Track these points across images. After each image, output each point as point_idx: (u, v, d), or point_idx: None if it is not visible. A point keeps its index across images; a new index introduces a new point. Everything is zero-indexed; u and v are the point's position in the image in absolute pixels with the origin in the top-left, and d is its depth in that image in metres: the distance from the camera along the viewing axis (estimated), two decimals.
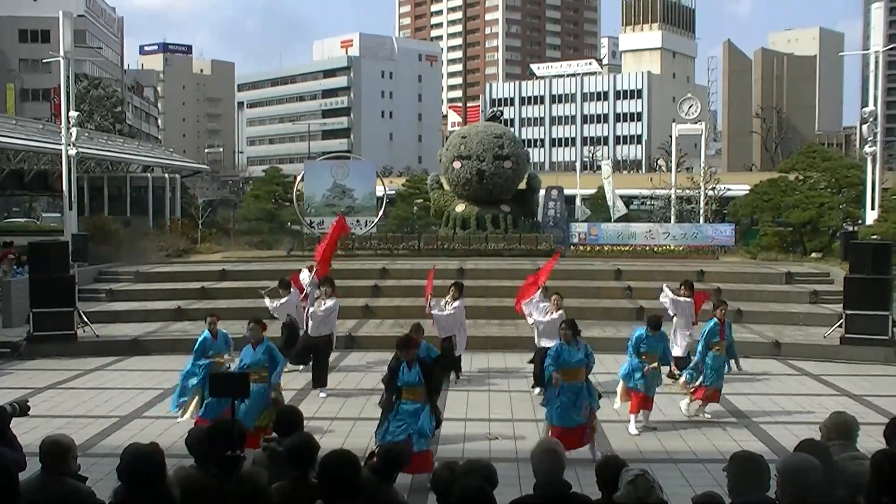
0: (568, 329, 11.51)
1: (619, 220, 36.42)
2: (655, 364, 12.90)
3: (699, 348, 13.58)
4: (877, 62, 28.15)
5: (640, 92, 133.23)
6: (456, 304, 16.16)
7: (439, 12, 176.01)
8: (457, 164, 31.38)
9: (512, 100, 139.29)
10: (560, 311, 14.59)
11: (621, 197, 40.07)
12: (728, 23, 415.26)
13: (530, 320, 15.51)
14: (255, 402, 10.87)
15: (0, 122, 36.30)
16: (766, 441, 11.97)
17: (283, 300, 17.04)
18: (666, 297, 16.04)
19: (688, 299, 15.91)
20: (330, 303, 15.42)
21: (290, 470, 5.58)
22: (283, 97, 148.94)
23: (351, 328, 20.37)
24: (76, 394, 15.57)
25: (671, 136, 40.75)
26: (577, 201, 43.96)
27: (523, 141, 42.35)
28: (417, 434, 9.99)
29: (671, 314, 15.89)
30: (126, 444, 5.48)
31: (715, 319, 13.77)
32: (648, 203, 47.48)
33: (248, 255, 32.04)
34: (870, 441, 10.94)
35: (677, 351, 15.37)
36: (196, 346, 13.13)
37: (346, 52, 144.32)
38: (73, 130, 27.27)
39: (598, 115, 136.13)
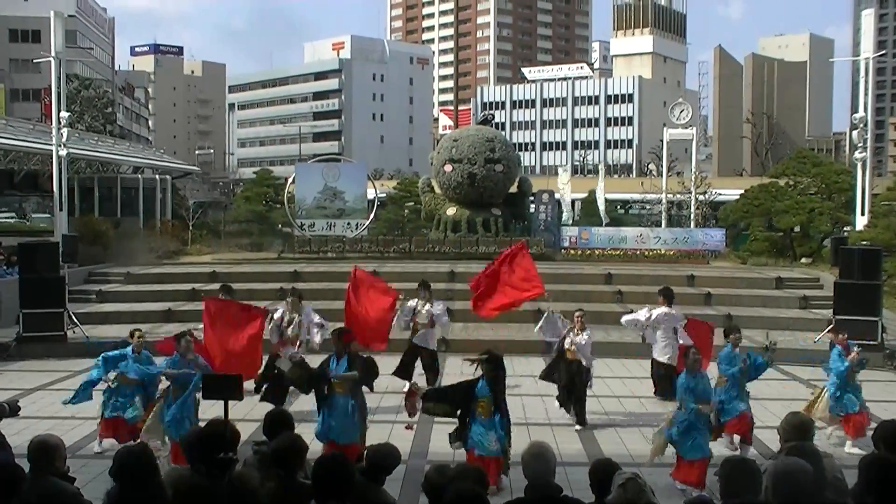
0: (696, 356, 10.77)
1: (609, 224, 36.50)
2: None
3: (830, 379, 12.72)
4: (867, 68, 28.17)
5: (630, 96, 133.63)
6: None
7: (431, 15, 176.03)
8: (448, 168, 31.41)
9: (503, 103, 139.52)
10: (587, 332, 13.56)
11: (612, 201, 40.05)
12: (719, 28, 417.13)
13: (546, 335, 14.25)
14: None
15: None
16: (756, 445, 11.98)
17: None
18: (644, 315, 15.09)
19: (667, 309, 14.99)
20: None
21: (277, 471, 5.58)
22: (273, 99, 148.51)
23: None
24: (66, 395, 15.46)
25: (662, 141, 40.82)
26: (564, 205, 43.97)
27: (514, 144, 42.38)
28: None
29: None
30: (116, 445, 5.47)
31: (838, 346, 13.10)
32: (642, 207, 47.52)
33: (238, 256, 32.05)
34: (858, 445, 11.03)
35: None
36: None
37: (338, 55, 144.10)
38: (64, 131, 27.22)
39: (589, 119, 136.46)
